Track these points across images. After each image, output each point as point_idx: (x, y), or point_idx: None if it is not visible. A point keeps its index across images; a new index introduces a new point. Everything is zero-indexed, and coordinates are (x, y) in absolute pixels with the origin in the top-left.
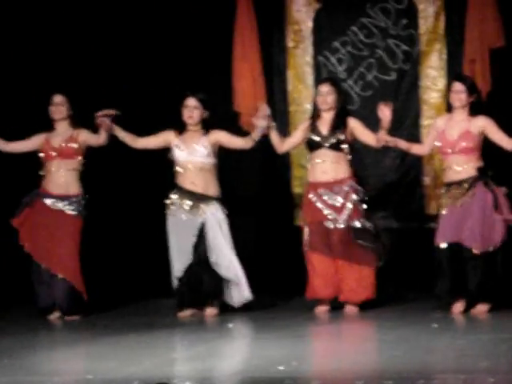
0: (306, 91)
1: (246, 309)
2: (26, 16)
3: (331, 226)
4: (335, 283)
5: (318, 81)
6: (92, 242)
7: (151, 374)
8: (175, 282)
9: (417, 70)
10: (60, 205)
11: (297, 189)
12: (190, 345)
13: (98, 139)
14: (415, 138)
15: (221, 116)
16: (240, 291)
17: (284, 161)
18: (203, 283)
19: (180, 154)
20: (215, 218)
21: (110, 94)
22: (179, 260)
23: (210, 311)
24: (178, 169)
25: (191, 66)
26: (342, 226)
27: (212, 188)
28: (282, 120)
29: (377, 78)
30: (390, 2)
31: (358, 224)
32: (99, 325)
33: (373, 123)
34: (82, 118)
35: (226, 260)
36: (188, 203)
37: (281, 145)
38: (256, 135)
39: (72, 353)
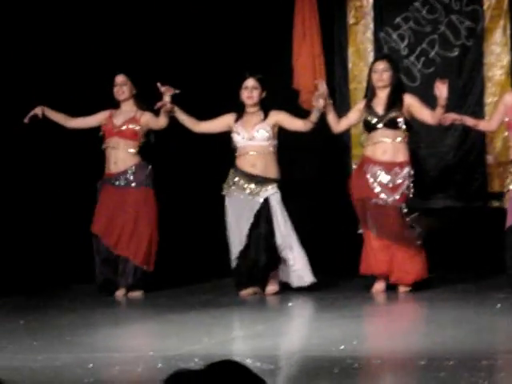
0: (366, 68)
1: (306, 288)
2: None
3: (379, 203)
4: (388, 261)
5: (374, 58)
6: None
7: (211, 352)
8: (234, 262)
9: (481, 47)
10: (122, 181)
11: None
12: (251, 323)
13: (158, 122)
14: (478, 116)
15: (280, 94)
16: (299, 275)
17: (343, 139)
18: (261, 262)
19: (239, 138)
20: (275, 200)
21: (169, 76)
22: (237, 240)
23: (271, 288)
24: (238, 153)
25: (251, 45)
26: (391, 201)
27: (272, 170)
28: (342, 98)
29: (439, 55)
30: None
31: (404, 208)
32: (161, 303)
33: (434, 101)
34: (145, 98)
35: (287, 242)
36: (247, 185)
37: (337, 125)
38: (314, 116)
39: (133, 330)
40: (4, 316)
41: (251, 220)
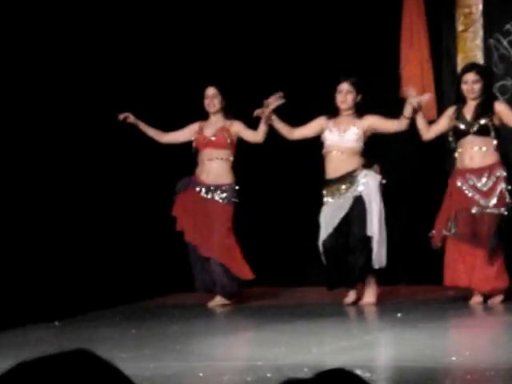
0: None
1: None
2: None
3: (475, 211)
4: (471, 272)
5: (463, 68)
6: (242, 232)
7: (321, 362)
8: (324, 260)
9: None
10: (211, 194)
11: None
12: (359, 333)
13: (256, 136)
14: None
15: (388, 102)
16: (377, 255)
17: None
18: (355, 259)
19: (330, 135)
20: (368, 187)
21: (261, 84)
22: (323, 239)
23: (367, 301)
24: (326, 153)
25: (357, 52)
26: (491, 210)
27: (357, 164)
28: (451, 104)
29: None
30: None
31: (504, 212)
32: (264, 312)
33: None
34: (236, 109)
35: (374, 229)
36: (339, 187)
37: (427, 132)
38: (408, 112)
39: (241, 339)
40: (115, 325)
41: (341, 215)
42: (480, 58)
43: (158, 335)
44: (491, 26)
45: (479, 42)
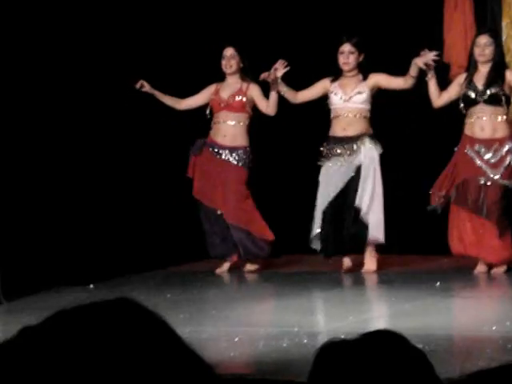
0: None
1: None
2: None
3: (483, 182)
4: (477, 242)
5: (477, 32)
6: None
7: (358, 330)
8: (316, 227)
9: None
10: (227, 155)
11: None
12: (397, 301)
13: (268, 108)
14: None
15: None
16: (373, 231)
17: None
18: (348, 231)
19: (337, 99)
20: (370, 157)
21: (275, 47)
22: (321, 204)
23: (368, 268)
24: (332, 114)
25: (401, 16)
26: (496, 179)
27: (365, 130)
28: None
29: None
30: None
31: (507, 184)
32: (294, 279)
33: None
34: (253, 71)
35: (370, 203)
36: (341, 151)
37: (438, 99)
38: (414, 71)
39: (275, 305)
40: (150, 289)
41: (340, 185)
42: None
43: (192, 300)
44: None
45: None
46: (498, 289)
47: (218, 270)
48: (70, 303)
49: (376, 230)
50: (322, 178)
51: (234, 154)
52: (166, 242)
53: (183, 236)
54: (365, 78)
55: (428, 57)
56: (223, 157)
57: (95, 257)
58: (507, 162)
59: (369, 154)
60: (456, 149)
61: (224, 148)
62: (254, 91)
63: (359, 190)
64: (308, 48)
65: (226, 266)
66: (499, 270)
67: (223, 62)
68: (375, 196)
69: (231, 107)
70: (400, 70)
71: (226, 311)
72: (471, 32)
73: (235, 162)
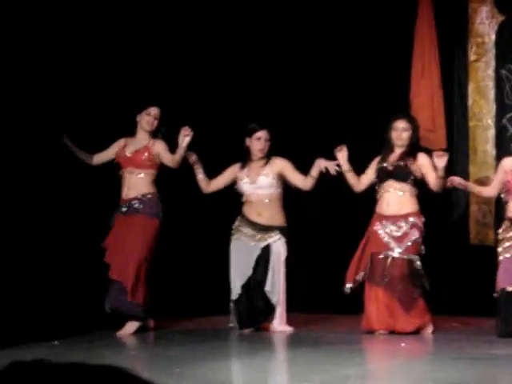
0: (487, 106)
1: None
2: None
3: (388, 254)
4: (388, 316)
5: (394, 116)
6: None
7: None
8: (232, 302)
9: None
10: (134, 206)
11: (473, 206)
12: (363, 362)
13: (172, 160)
14: None
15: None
16: (278, 321)
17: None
18: (258, 307)
19: (245, 185)
20: (276, 246)
21: (187, 111)
22: (238, 280)
23: (277, 326)
24: (244, 199)
25: (368, 80)
26: (398, 255)
27: (277, 218)
28: (461, 135)
29: None
30: None
31: (411, 258)
32: (266, 338)
33: None
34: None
35: (276, 288)
36: (252, 233)
37: (358, 184)
38: (315, 172)
39: (242, 364)
40: (115, 346)
41: (252, 265)
42: (491, 88)
43: (158, 358)
44: (503, 56)
45: (491, 72)
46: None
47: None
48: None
49: (280, 322)
50: (232, 251)
51: (138, 203)
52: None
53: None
54: (267, 161)
55: (330, 165)
56: (129, 210)
57: (60, 313)
58: (412, 237)
59: (274, 244)
60: (368, 228)
61: (129, 200)
62: (159, 147)
63: (268, 273)
64: (222, 132)
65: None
66: (427, 332)
67: (147, 118)
68: (280, 286)
69: (135, 164)
70: (371, 137)
71: (191, 370)
72: (438, 97)
73: (140, 213)
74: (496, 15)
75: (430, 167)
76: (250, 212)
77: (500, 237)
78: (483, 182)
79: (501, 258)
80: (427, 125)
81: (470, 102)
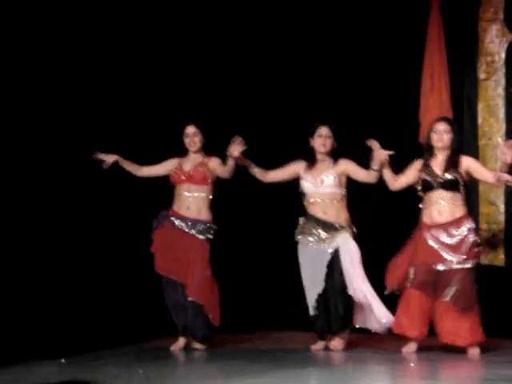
0: (497, 124)
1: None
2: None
3: (443, 268)
4: (426, 325)
5: (436, 119)
6: (218, 271)
7: None
8: (312, 310)
9: None
10: (190, 228)
11: (484, 225)
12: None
13: (224, 171)
14: None
15: (407, 149)
16: (375, 317)
17: (472, 196)
18: (339, 313)
19: (308, 185)
20: (346, 248)
21: (240, 123)
22: (313, 290)
23: (338, 343)
24: (308, 200)
25: (376, 97)
26: (458, 266)
27: (343, 217)
28: (471, 154)
29: None
30: None
31: (471, 265)
32: (237, 358)
33: None
34: (214, 147)
35: (358, 287)
36: (319, 231)
37: (394, 182)
38: (376, 166)
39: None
40: (123, 364)
41: (324, 271)
42: (501, 107)
43: (165, 377)
44: None
45: (501, 90)
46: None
47: (173, 347)
48: (41, 378)
49: (379, 314)
50: (302, 258)
51: (198, 227)
52: (137, 317)
53: (154, 311)
54: (334, 163)
55: (382, 154)
56: (188, 230)
57: (67, 331)
58: (467, 242)
59: (343, 247)
60: (413, 234)
61: (188, 220)
62: (214, 162)
63: (344, 272)
64: (281, 128)
65: (182, 342)
66: (475, 352)
67: (186, 140)
68: (363, 281)
69: (193, 179)
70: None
71: None
72: (447, 114)
73: (200, 236)
74: (506, 34)
75: (479, 165)
76: (316, 211)
77: None
78: None
79: None
80: None
81: (479, 120)
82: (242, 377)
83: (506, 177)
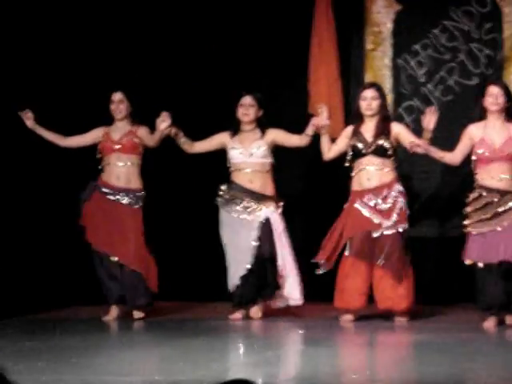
0: None
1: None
2: (87, 14)
3: (377, 235)
4: (366, 294)
5: (362, 86)
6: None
7: (220, 378)
8: (233, 282)
9: (500, 76)
10: (120, 197)
11: None
12: (260, 349)
13: (152, 140)
14: None
15: (295, 117)
16: (286, 295)
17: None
18: (265, 278)
19: (237, 153)
20: (276, 219)
21: (168, 92)
22: (237, 261)
23: (256, 311)
24: (235, 170)
25: (268, 67)
26: (389, 232)
27: (269, 188)
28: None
29: (458, 83)
30: (473, 5)
31: (402, 228)
32: (164, 326)
33: (452, 129)
34: (141, 115)
35: (285, 260)
36: (244, 201)
37: (328, 152)
38: (310, 130)
39: (139, 354)
40: (9, 337)
41: (253, 240)
42: (388, 78)
43: (53, 348)
44: (400, 45)
45: (388, 61)
46: (361, 338)
47: (106, 317)
48: None
49: (291, 292)
50: (224, 226)
51: (129, 196)
52: (25, 288)
53: (44, 282)
54: (263, 132)
55: (322, 120)
56: (118, 199)
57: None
58: (398, 206)
59: (273, 217)
60: (345, 206)
61: (118, 190)
62: (144, 131)
63: (277, 250)
64: (209, 101)
65: (115, 312)
66: (400, 319)
67: (112, 107)
68: (289, 254)
69: (124, 149)
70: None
71: (88, 359)
72: (336, 85)
73: (130, 205)
74: (393, 4)
75: (407, 131)
76: (242, 179)
77: (468, 209)
78: None
79: (470, 230)
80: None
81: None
82: (128, 348)
83: (417, 143)
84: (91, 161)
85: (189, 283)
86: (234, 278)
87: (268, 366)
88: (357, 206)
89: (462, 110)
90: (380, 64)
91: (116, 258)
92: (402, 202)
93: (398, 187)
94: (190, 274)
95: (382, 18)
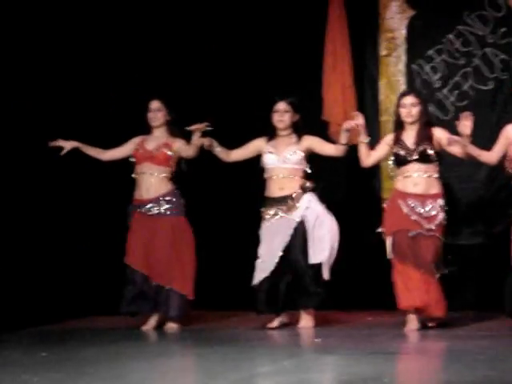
0: None
1: (331, 324)
2: (131, 26)
3: (413, 234)
4: (426, 293)
5: (400, 93)
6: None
7: None
8: (257, 281)
9: None
10: (156, 208)
11: (386, 194)
12: (278, 358)
13: (188, 150)
14: None
15: (310, 125)
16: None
17: (373, 171)
18: (299, 287)
19: (271, 158)
20: (311, 210)
21: (205, 101)
22: (266, 260)
23: (305, 323)
24: (266, 174)
25: (282, 74)
26: (431, 233)
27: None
28: (372, 130)
29: (473, 88)
30: (488, 9)
31: (442, 238)
32: (186, 336)
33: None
34: (179, 125)
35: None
36: (279, 209)
37: (367, 158)
38: (344, 139)
39: (158, 364)
40: (26, 348)
41: (286, 240)
42: (402, 84)
43: (70, 359)
44: (414, 51)
45: (402, 67)
46: (392, 345)
47: (144, 327)
48: None
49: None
50: (263, 235)
51: (162, 204)
52: (40, 298)
53: (61, 292)
54: (298, 138)
55: (358, 124)
56: (153, 211)
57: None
58: (439, 219)
59: (311, 209)
60: (385, 204)
61: (149, 202)
62: (180, 144)
63: (309, 247)
64: (242, 106)
65: (153, 321)
66: (431, 325)
67: (149, 115)
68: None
69: (155, 159)
70: None
71: (105, 370)
72: (350, 92)
73: (167, 212)
74: (406, 10)
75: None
76: (274, 189)
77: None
78: None
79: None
80: (339, 120)
81: (381, 97)
82: (147, 359)
83: (461, 140)
84: (111, 169)
85: (226, 292)
86: (258, 277)
87: (285, 375)
88: (399, 203)
89: (478, 115)
90: (394, 70)
91: (154, 283)
92: (442, 216)
93: (441, 202)
94: (228, 283)
95: (396, 23)
